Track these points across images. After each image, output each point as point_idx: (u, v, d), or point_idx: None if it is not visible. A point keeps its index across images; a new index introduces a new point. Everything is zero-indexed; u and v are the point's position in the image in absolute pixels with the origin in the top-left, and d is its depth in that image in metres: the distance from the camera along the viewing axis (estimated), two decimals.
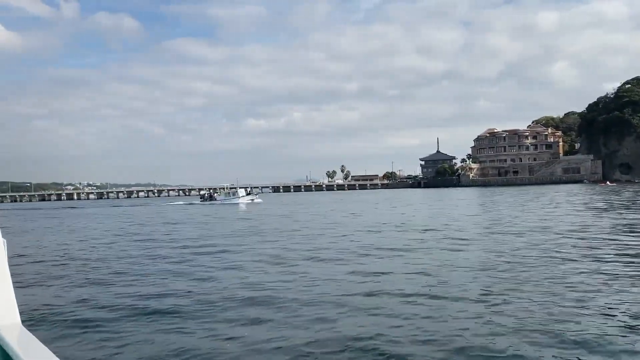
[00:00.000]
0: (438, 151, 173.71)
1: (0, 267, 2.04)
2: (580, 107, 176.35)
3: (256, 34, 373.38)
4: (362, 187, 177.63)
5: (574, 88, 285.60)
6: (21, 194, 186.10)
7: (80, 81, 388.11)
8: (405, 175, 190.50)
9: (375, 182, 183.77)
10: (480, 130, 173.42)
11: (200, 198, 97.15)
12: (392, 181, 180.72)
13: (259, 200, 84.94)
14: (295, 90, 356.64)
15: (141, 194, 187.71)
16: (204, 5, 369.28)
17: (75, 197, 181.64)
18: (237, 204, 79.43)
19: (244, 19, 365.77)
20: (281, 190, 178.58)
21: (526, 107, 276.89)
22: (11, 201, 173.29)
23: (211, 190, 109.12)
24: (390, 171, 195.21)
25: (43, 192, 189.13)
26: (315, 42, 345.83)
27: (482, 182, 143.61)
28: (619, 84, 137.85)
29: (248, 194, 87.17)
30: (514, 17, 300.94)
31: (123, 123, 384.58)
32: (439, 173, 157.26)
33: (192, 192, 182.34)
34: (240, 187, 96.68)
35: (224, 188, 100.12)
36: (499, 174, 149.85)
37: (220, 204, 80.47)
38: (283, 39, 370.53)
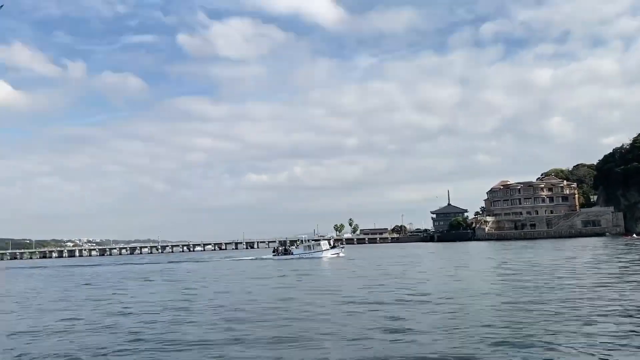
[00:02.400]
0: (449, 204, 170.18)
1: None
2: (579, 160, 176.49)
3: (258, 92, 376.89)
4: (372, 240, 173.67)
5: (572, 142, 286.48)
6: (21, 251, 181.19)
7: (85, 139, 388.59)
8: (414, 228, 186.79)
9: (384, 235, 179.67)
10: (484, 183, 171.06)
11: (273, 252, 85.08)
12: (403, 235, 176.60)
13: (343, 254, 75.06)
14: (296, 145, 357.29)
15: (144, 250, 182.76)
16: (207, 65, 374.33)
17: (76, 253, 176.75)
18: (320, 258, 71.17)
19: (246, 79, 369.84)
20: (288, 245, 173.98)
21: (525, 160, 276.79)
22: (11, 258, 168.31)
23: (287, 242, 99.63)
24: (399, 224, 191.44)
25: (44, 249, 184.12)
26: (315, 99, 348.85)
27: (498, 236, 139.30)
28: (614, 137, 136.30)
29: (333, 247, 78.53)
30: (509, 74, 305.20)
31: (126, 179, 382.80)
32: (453, 226, 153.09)
33: (232, 245, 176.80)
34: (323, 239, 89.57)
35: (301, 240, 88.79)
36: (516, 227, 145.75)
37: (299, 258, 72.23)
38: (284, 96, 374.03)
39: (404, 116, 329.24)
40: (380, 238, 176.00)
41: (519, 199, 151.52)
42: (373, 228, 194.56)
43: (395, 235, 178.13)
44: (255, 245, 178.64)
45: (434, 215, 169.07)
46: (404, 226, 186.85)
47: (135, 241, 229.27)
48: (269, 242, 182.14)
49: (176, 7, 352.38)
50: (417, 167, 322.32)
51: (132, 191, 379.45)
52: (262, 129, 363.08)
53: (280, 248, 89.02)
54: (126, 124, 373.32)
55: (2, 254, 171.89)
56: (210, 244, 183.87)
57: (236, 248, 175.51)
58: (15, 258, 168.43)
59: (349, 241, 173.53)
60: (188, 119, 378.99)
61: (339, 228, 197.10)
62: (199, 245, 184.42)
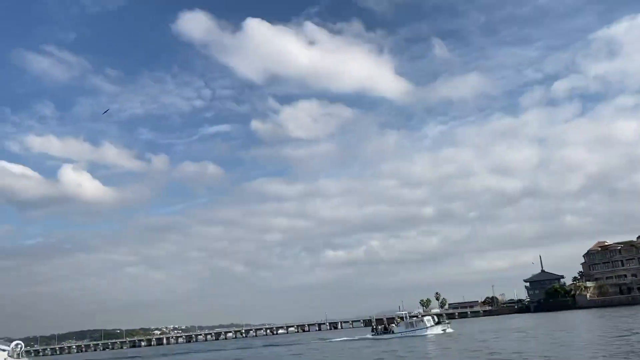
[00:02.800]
0: (542, 271, 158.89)
1: None
2: None
3: (329, 168, 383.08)
4: (462, 315, 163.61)
5: None
6: (112, 341, 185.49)
7: (169, 227, 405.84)
8: (507, 299, 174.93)
9: (475, 309, 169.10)
10: (576, 246, 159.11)
11: (372, 331, 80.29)
12: (495, 307, 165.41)
13: (451, 329, 70.15)
14: (371, 218, 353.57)
15: (229, 334, 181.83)
16: (279, 147, 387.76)
17: (164, 341, 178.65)
18: (425, 335, 66.66)
19: (317, 157, 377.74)
20: (374, 324, 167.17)
21: (619, 219, 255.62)
22: (103, 349, 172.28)
23: (384, 320, 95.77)
24: (490, 296, 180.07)
25: (134, 339, 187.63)
26: (387, 170, 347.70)
27: (603, 302, 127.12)
28: None
29: (437, 323, 73.24)
30: (589, 130, 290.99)
31: (207, 264, 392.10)
32: (550, 295, 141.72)
33: (314, 326, 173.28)
34: (426, 314, 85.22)
35: (401, 317, 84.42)
36: (621, 292, 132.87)
37: (402, 337, 67.77)
38: (355, 171, 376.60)
39: (481, 181, 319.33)
40: (471, 312, 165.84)
41: (621, 261, 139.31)
42: (462, 301, 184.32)
43: (487, 308, 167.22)
44: (339, 326, 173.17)
45: (527, 284, 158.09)
46: (496, 297, 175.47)
47: (219, 326, 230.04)
48: (352, 321, 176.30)
49: (248, 96, 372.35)
50: (501, 233, 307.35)
51: (214, 275, 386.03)
52: (335, 205, 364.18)
53: (379, 327, 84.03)
54: (206, 210, 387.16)
55: (95, 344, 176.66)
56: (292, 325, 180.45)
57: (319, 329, 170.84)
58: (107, 348, 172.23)
59: (438, 317, 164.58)
60: (264, 201, 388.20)
61: (425, 303, 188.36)
62: (281, 327, 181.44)
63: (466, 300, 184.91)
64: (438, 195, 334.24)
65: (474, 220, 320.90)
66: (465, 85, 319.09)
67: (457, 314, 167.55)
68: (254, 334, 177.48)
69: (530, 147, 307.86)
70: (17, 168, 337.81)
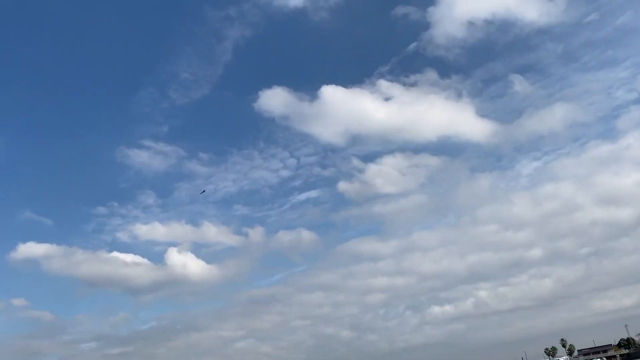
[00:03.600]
0: None
1: None
2: None
3: (422, 220, 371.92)
4: None
5: None
6: None
7: (271, 298, 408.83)
8: None
9: (610, 353, 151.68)
10: None
11: None
12: (634, 349, 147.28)
13: None
14: (475, 267, 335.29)
15: None
16: (368, 205, 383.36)
17: None
18: None
19: (408, 210, 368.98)
20: None
21: None
22: None
23: None
24: (624, 337, 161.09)
25: None
26: (484, 215, 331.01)
27: None
28: None
29: None
30: None
31: (312, 332, 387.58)
32: None
33: None
34: None
35: None
36: None
37: None
38: (450, 220, 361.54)
39: (589, 214, 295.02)
40: (605, 357, 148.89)
41: None
42: (593, 347, 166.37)
43: (623, 352, 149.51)
44: None
45: None
46: (632, 339, 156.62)
47: None
48: None
49: (332, 160, 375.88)
50: (621, 268, 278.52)
51: (320, 343, 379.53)
52: (434, 257, 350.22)
53: None
54: (305, 276, 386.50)
55: None
56: None
57: None
58: None
59: None
60: (360, 261, 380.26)
61: (550, 352, 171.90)
62: None
63: (597, 345, 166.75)
64: (544, 235, 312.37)
65: (588, 256, 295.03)
66: (553, 117, 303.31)
67: None
68: None
69: (636, 171, 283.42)
70: (128, 257, 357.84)
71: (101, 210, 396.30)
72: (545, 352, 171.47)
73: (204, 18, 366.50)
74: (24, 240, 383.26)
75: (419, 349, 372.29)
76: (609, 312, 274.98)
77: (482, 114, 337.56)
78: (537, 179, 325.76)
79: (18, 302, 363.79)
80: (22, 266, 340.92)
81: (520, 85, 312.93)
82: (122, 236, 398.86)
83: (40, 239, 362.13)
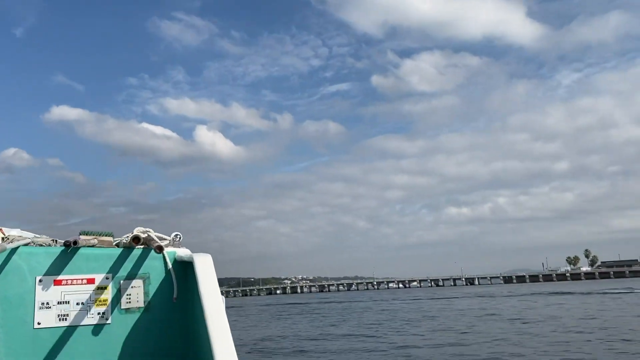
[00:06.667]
0: None
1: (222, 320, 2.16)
2: None
3: (452, 123, 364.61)
4: (619, 274, 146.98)
5: None
6: (250, 288, 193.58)
7: (293, 184, 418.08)
8: None
9: (635, 268, 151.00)
10: None
11: None
12: None
13: None
14: (498, 175, 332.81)
15: (361, 286, 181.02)
16: (398, 103, 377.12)
17: (298, 290, 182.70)
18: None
19: (439, 111, 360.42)
20: (514, 281, 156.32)
21: None
22: (242, 295, 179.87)
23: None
24: None
25: (269, 287, 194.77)
26: (516, 123, 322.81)
27: None
28: None
29: None
30: None
31: (330, 219, 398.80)
32: None
33: (449, 281, 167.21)
34: None
35: None
36: None
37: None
38: (480, 125, 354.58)
39: (624, 133, 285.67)
40: (629, 271, 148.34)
41: None
42: (618, 260, 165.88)
43: None
44: (476, 282, 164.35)
45: None
46: None
47: (344, 278, 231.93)
48: (491, 277, 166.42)
49: (366, 52, 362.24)
50: None
51: (337, 230, 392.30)
52: (459, 161, 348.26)
53: None
54: (328, 167, 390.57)
55: (235, 291, 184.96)
56: (426, 279, 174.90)
57: (454, 284, 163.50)
58: (246, 295, 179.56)
59: (589, 275, 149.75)
60: (384, 158, 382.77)
61: (572, 261, 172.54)
62: (414, 281, 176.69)
63: (622, 259, 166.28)
64: (574, 149, 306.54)
65: (615, 175, 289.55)
66: (605, 26, 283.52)
67: (612, 273, 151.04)
68: (386, 286, 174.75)
69: None
70: (158, 129, 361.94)
71: (132, 81, 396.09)
72: (567, 260, 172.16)
73: None
74: (57, 103, 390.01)
75: (431, 246, 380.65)
76: (625, 231, 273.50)
77: (532, 15, 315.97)
78: (576, 90, 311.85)
79: (53, 161, 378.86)
80: (56, 127, 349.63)
81: None
82: (152, 109, 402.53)
83: (73, 104, 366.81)
